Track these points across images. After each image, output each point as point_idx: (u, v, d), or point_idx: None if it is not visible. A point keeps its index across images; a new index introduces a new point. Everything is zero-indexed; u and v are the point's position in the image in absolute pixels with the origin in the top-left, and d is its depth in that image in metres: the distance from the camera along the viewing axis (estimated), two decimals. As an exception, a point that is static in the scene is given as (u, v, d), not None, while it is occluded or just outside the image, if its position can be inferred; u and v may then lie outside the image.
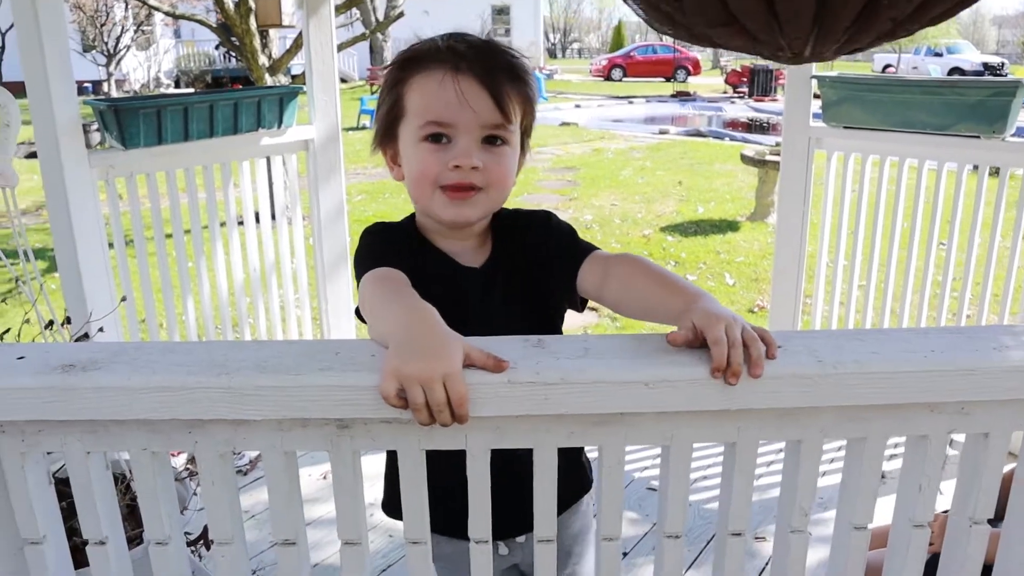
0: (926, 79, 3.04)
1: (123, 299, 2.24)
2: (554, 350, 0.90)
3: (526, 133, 1.24)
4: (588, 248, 1.24)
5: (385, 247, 1.20)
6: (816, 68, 3.21)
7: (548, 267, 1.24)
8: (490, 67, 1.13)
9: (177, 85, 25.60)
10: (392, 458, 1.28)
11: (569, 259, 1.22)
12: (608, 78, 33.46)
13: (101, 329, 1.94)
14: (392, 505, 1.34)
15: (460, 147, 1.14)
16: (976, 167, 2.94)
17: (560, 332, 1.33)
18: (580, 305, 1.26)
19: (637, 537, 2.50)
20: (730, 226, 7.88)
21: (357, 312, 1.19)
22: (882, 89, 3.07)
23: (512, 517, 1.05)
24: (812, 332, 0.97)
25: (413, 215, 1.28)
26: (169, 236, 2.90)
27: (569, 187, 10.34)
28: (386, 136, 1.23)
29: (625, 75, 33.19)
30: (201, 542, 1.69)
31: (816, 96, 3.20)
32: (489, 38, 1.18)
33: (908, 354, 0.90)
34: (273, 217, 3.21)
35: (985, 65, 28.57)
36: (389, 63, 1.21)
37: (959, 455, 1.00)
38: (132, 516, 1.55)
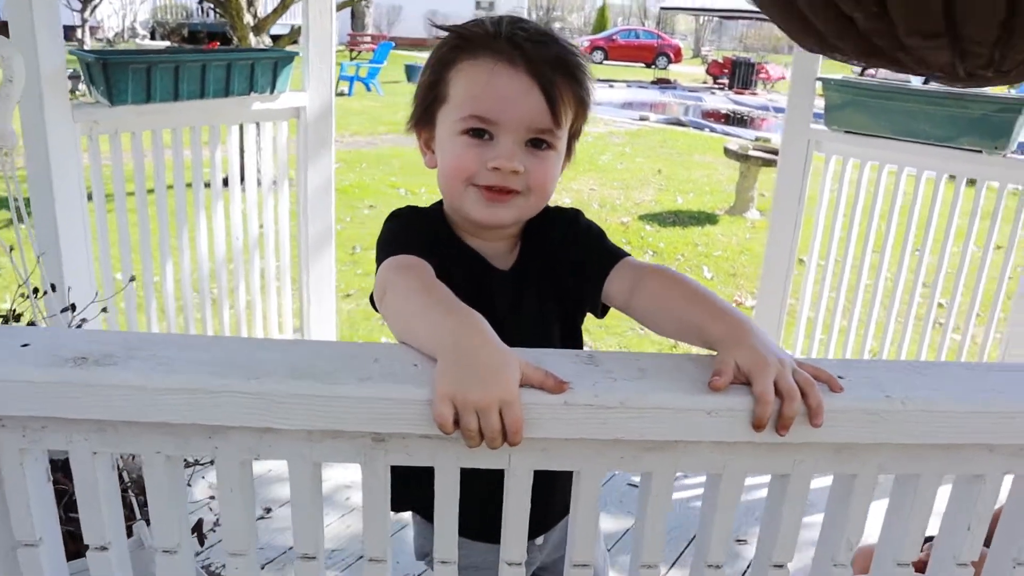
0: (932, 90, 3.01)
1: (132, 279, 2.15)
2: (608, 369, 0.84)
3: (575, 136, 1.15)
4: (618, 253, 1.15)
5: (412, 235, 1.11)
6: (821, 70, 3.17)
7: (576, 270, 1.16)
8: (547, 64, 1.03)
9: (153, 37, 24.96)
10: None
11: (597, 263, 1.14)
12: (589, 60, 33.23)
13: (69, 288, 1.85)
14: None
15: (502, 148, 1.05)
16: (973, 181, 2.93)
17: (582, 337, 1.27)
18: (601, 311, 1.18)
19: (620, 532, 2.47)
20: (709, 218, 7.88)
21: (371, 300, 1.12)
22: (887, 96, 3.04)
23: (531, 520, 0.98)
24: (869, 362, 0.93)
25: (441, 202, 1.19)
26: (151, 191, 2.79)
27: (548, 168, 10.24)
28: (423, 118, 1.13)
29: (606, 58, 33.03)
30: (193, 535, 1.61)
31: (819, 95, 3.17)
32: (548, 28, 1.09)
33: (972, 393, 0.86)
34: (259, 184, 3.10)
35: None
36: (439, 39, 1.09)
37: (967, 494, 0.97)
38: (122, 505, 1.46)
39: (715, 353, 0.88)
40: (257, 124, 3.01)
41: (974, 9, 0.67)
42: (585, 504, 0.87)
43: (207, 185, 2.93)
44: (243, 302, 3.21)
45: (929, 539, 1.23)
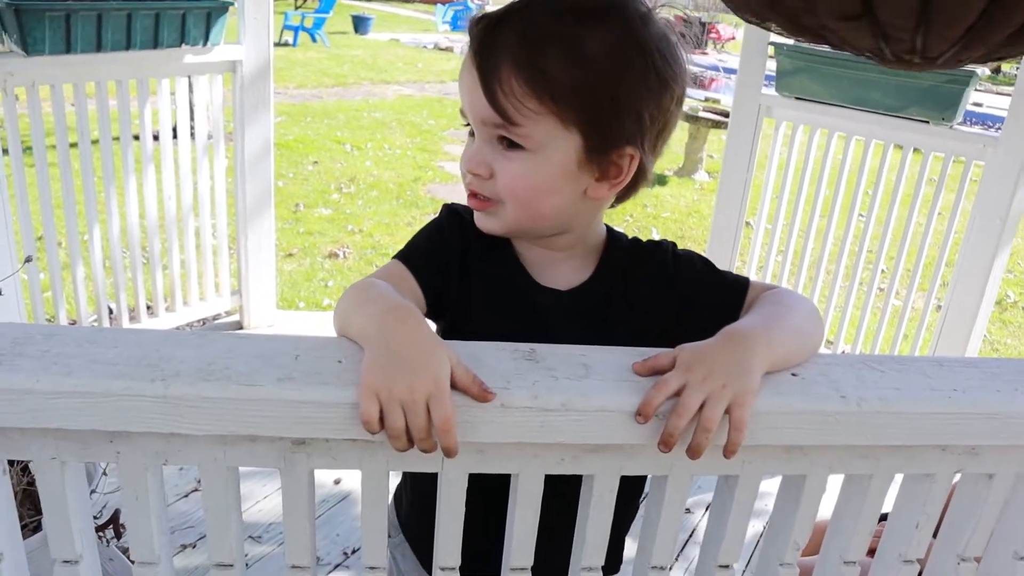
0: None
1: (28, 259, 2.02)
2: (550, 365, 0.78)
3: (594, 131, 0.92)
4: (742, 282, 1.02)
5: (424, 248, 1.01)
6: (773, 35, 3.12)
7: (688, 307, 1.01)
8: (496, 46, 0.87)
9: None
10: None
11: (723, 297, 1.01)
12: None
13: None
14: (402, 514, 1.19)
15: (471, 146, 0.95)
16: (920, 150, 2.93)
17: None
18: None
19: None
20: (658, 180, 7.85)
21: None
22: (838, 63, 3.00)
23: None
24: (823, 357, 0.88)
25: None
26: (74, 145, 2.62)
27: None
28: None
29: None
30: (111, 527, 1.53)
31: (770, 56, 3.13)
32: None
33: (930, 392, 0.83)
34: (193, 138, 2.95)
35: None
36: None
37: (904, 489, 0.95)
38: (29, 499, 1.37)
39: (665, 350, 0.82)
40: (189, 78, 2.86)
41: None
42: (524, 506, 0.81)
43: (136, 138, 2.78)
44: (177, 262, 3.08)
45: (884, 516, 1.21)
